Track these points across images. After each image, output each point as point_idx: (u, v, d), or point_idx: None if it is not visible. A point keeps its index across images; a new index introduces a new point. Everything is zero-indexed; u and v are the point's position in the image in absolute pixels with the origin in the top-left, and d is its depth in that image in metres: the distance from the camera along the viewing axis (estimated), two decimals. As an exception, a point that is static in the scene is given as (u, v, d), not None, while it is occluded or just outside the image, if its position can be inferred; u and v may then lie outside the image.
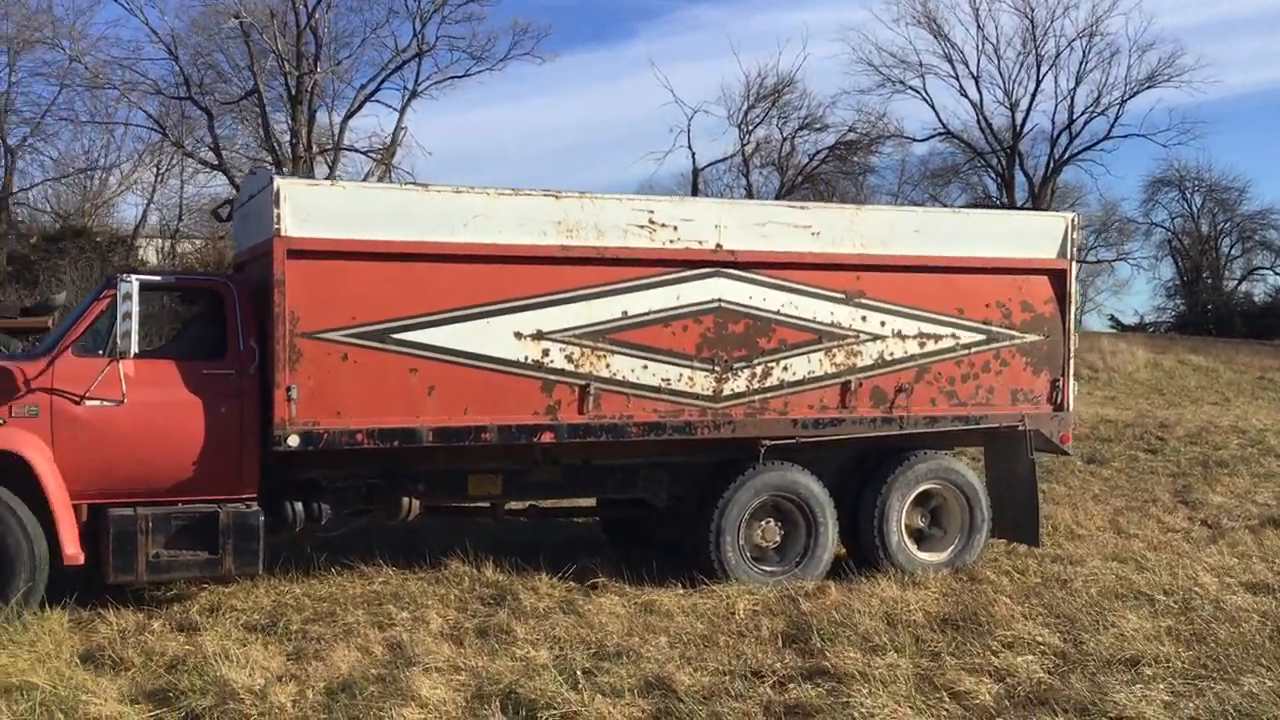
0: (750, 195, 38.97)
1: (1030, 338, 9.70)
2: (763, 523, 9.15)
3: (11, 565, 7.32)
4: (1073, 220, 9.91)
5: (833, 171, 43.89)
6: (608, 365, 8.55)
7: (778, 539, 9.21)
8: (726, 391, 8.86)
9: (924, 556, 9.54)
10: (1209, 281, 56.20)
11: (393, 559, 9.20)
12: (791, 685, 6.30)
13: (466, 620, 7.95)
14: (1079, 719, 5.81)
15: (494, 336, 8.26)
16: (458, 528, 9.97)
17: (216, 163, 31.41)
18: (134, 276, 7.63)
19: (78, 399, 7.55)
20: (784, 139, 42.08)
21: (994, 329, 9.58)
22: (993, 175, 48.84)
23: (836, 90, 56.14)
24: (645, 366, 8.64)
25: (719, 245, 8.79)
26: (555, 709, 5.92)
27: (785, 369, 9.02)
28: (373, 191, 9.03)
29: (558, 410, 8.44)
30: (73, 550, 7.47)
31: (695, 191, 37.89)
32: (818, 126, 42.21)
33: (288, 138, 31.13)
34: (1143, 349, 34.72)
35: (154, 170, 34.49)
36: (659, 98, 58.00)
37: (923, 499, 9.64)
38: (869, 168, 44.93)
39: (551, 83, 66.08)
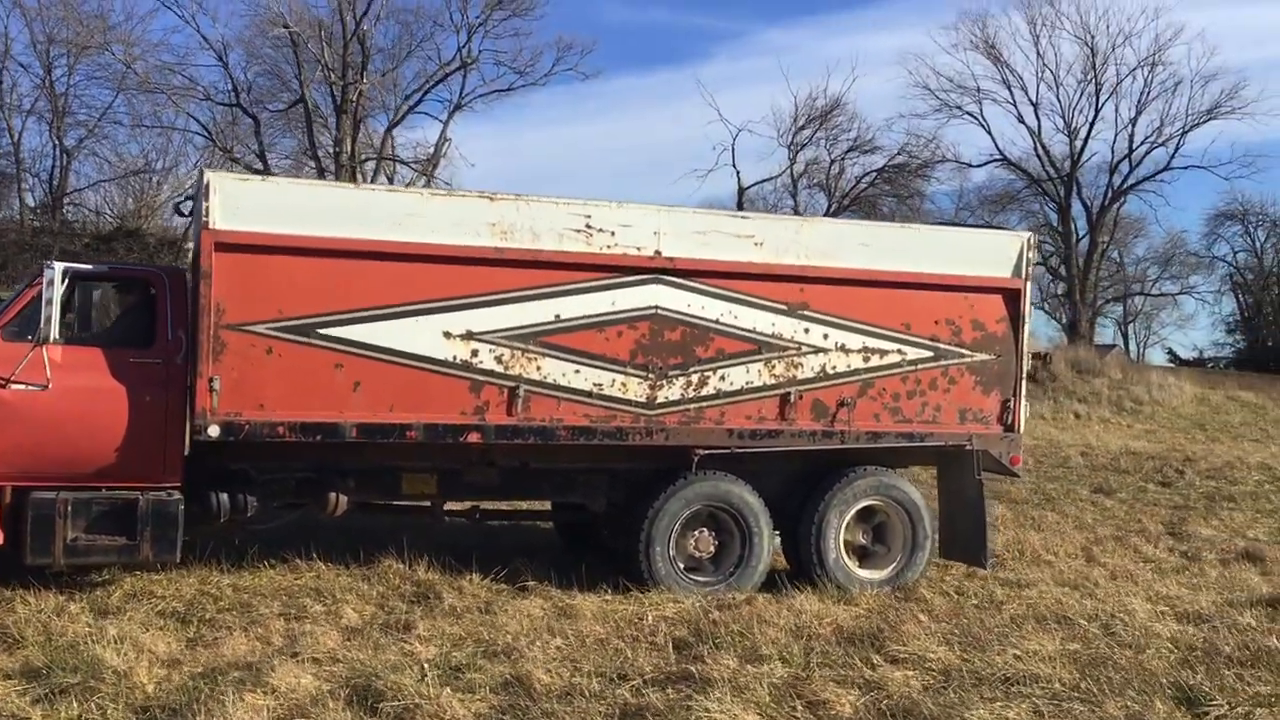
0: (798, 214, 38.86)
1: (980, 356, 9.56)
2: (696, 532, 9.10)
3: (-75, 542, 7.50)
4: (1028, 240, 9.77)
5: (882, 194, 43.68)
6: (538, 368, 8.56)
7: (712, 549, 9.15)
8: (660, 399, 8.83)
9: (864, 574, 9.43)
10: (1270, 317, 54.97)
11: (334, 556, 9.30)
12: (651, 689, 6.25)
13: (380, 616, 8.00)
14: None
15: (422, 335, 8.31)
16: (415, 527, 10.04)
17: (262, 169, 32.04)
18: (58, 264, 7.81)
19: (3, 383, 7.72)
20: (832, 160, 42.06)
21: (942, 346, 9.45)
22: (1050, 203, 48.31)
23: (890, 114, 56.00)
24: (577, 371, 8.64)
25: (658, 252, 8.78)
26: (400, 701, 5.93)
27: (722, 378, 8.97)
28: (305, 188, 9.09)
29: (486, 411, 8.46)
30: (-7, 530, 7.63)
31: (740, 210, 37.95)
32: (867, 149, 42.15)
33: (332, 146, 31.68)
34: (1191, 384, 34.10)
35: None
36: (705, 116, 58.14)
37: (865, 515, 9.53)
38: (919, 192, 44.70)
39: (608, 103, 66.29)
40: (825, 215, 39.44)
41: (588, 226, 8.63)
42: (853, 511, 9.39)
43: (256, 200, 8.03)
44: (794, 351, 9.13)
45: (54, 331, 7.68)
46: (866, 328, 9.29)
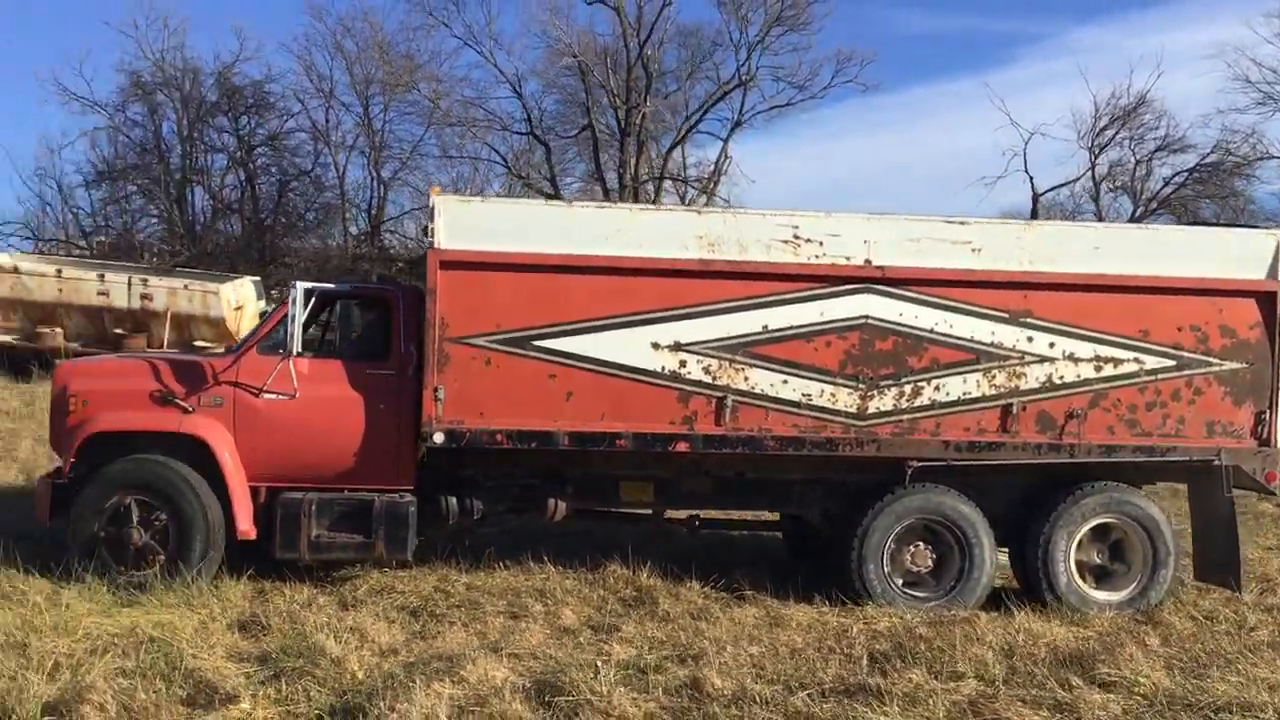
0: (1100, 221, 36.94)
1: (1230, 365, 8.85)
2: (912, 547, 8.88)
3: (189, 534, 8.40)
4: (1285, 239, 8.96)
5: (1195, 196, 40.69)
6: (746, 378, 8.63)
7: (930, 564, 8.90)
8: (872, 409, 8.71)
9: (1100, 595, 8.91)
10: None
11: (564, 560, 9.63)
12: (823, 700, 6.22)
13: (594, 618, 8.28)
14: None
15: (632, 346, 8.55)
16: (644, 534, 10.32)
17: (552, 193, 33.54)
18: (301, 284, 8.57)
19: (256, 392, 8.55)
20: (1138, 161, 39.59)
21: (1186, 354, 8.82)
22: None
23: (1205, 111, 51.96)
24: (785, 381, 8.65)
25: (868, 260, 8.67)
26: (574, 697, 6.16)
27: (938, 389, 8.74)
28: (520, 207, 9.57)
29: (694, 420, 8.61)
30: (245, 526, 8.47)
31: (1034, 218, 36.39)
32: (1177, 148, 39.37)
33: (617, 168, 32.81)
34: None
35: (501, 201, 37.21)
36: (992, 123, 55.90)
37: (1100, 534, 9.00)
38: (1238, 192, 41.30)
39: (890, 114, 64.95)
40: (1131, 220, 37.20)
41: (795, 237, 8.64)
42: (1084, 530, 8.89)
43: (477, 220, 8.54)
44: (1016, 361, 8.77)
45: (295, 345, 8.43)
46: (1098, 335, 8.80)
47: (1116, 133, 38.27)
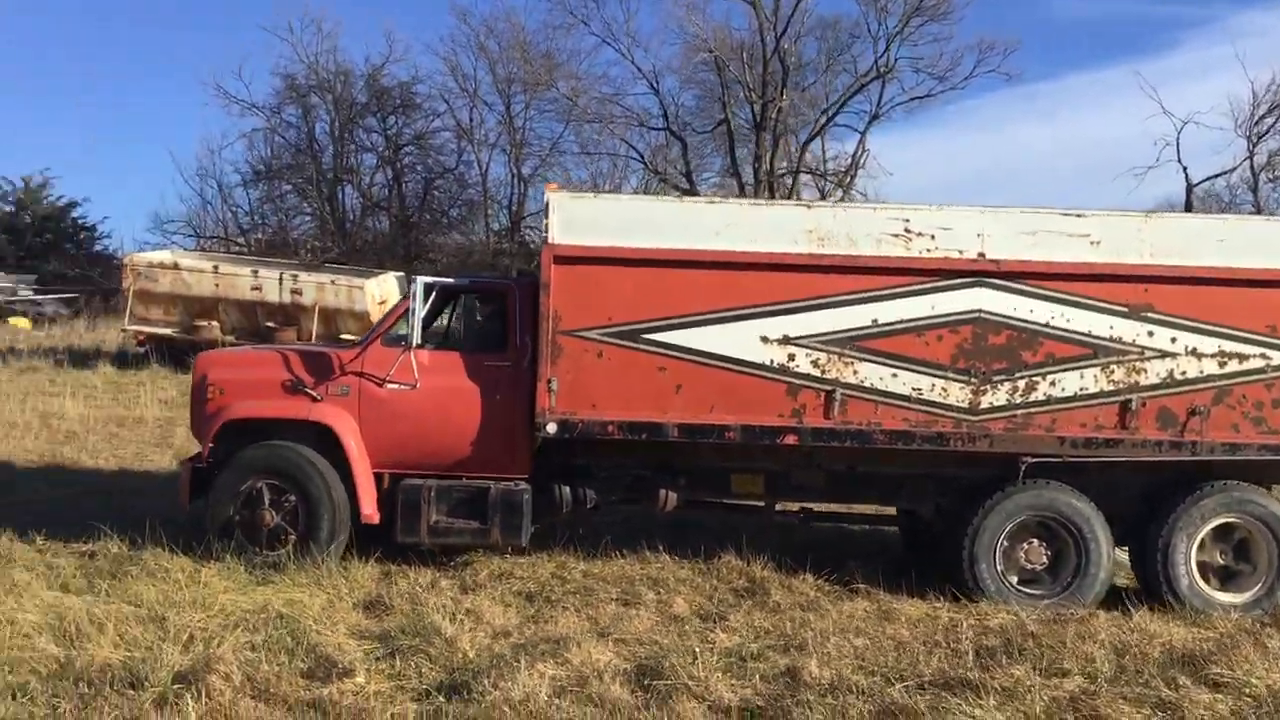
0: (1259, 213, 35.43)
1: (1365, 362, 8.49)
2: (1026, 543, 8.76)
3: (317, 516, 8.83)
4: None
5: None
6: (855, 372, 8.64)
7: (1044, 561, 8.77)
8: (984, 404, 8.63)
9: (1224, 597, 8.66)
10: None
11: (680, 550, 9.77)
12: (920, 692, 6.25)
13: (706, 606, 8.40)
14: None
15: (741, 340, 8.64)
16: (760, 526, 10.35)
17: (687, 187, 33.75)
18: (421, 279, 8.91)
19: (380, 382, 8.92)
20: (1302, 148, 37.76)
21: (1319, 351, 8.50)
22: None
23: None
24: (895, 375, 8.64)
25: (981, 254, 8.59)
26: (672, 681, 6.33)
27: (1053, 384, 8.60)
28: (632, 202, 9.70)
29: (803, 413, 8.67)
30: (369, 510, 8.86)
31: (1189, 209, 35.12)
32: (1345, 134, 37.38)
33: (752, 162, 32.82)
34: None
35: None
36: (1142, 112, 53.40)
37: (1223, 534, 8.74)
38: None
39: (1035, 104, 63.11)
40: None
41: (906, 231, 8.61)
42: (1205, 530, 8.65)
43: (589, 215, 8.74)
44: (1136, 356, 8.58)
45: (415, 337, 8.78)
46: (1224, 330, 8.55)
47: (1277, 120, 36.59)
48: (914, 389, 8.64)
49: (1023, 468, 8.65)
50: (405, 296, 9.20)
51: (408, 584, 8.68)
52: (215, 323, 23.49)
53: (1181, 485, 8.73)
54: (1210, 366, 8.57)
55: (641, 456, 9.21)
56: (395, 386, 8.92)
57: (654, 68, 34.51)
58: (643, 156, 34.81)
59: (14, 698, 5.85)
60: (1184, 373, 8.57)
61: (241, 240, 37.99)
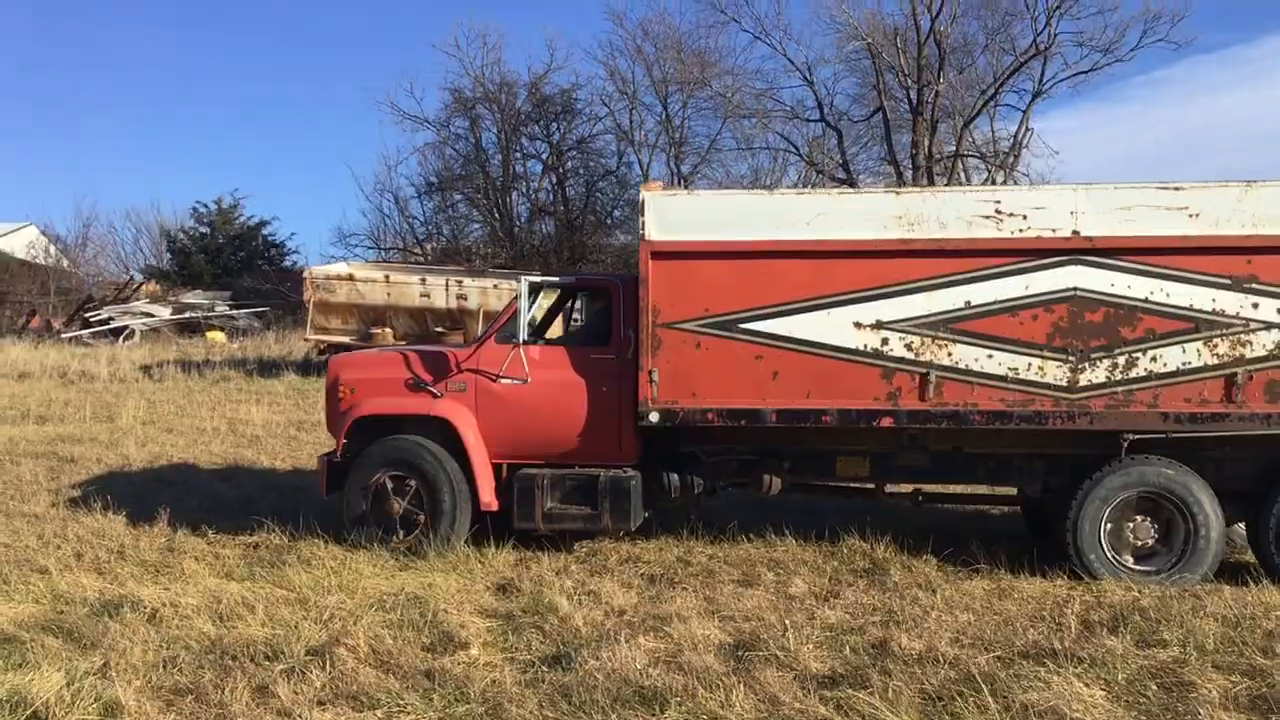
0: None
1: None
2: (1133, 520, 8.70)
3: (440, 505, 9.44)
4: None
5: None
6: (949, 354, 8.74)
7: (1151, 538, 8.69)
8: (1083, 382, 8.61)
9: (1338, 573, 8.43)
10: None
11: (804, 533, 9.95)
12: (1012, 662, 6.40)
13: (824, 586, 8.54)
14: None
15: (834, 326, 8.85)
16: (883, 510, 10.54)
17: (844, 178, 33.57)
18: (526, 278, 9.42)
19: (494, 377, 9.48)
20: None
21: None
22: None
23: None
24: (990, 356, 8.70)
25: (1075, 232, 8.57)
26: (763, 652, 6.63)
27: (1154, 359, 8.52)
28: (724, 197, 10.00)
29: (898, 396, 8.81)
30: (488, 498, 9.43)
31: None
32: None
33: (909, 149, 32.40)
34: None
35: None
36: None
37: (1343, 508, 8.50)
38: None
39: (1210, 76, 59.69)
40: None
41: (997, 212, 8.66)
42: (1318, 503, 8.44)
43: (683, 212, 9.10)
44: (1240, 329, 8.43)
45: (523, 334, 9.30)
46: (1334, 299, 8.32)
47: None
48: (1010, 369, 8.68)
49: (1124, 445, 8.59)
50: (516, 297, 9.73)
51: (540, 568, 9.09)
52: (388, 329, 24.67)
53: (1294, 459, 8.53)
54: (1321, 337, 8.34)
55: (747, 442, 9.50)
56: (508, 381, 9.46)
57: (807, 60, 34.52)
58: (799, 149, 34.84)
59: (163, 668, 6.54)
60: (1293, 344, 8.37)
61: (418, 250, 39.62)
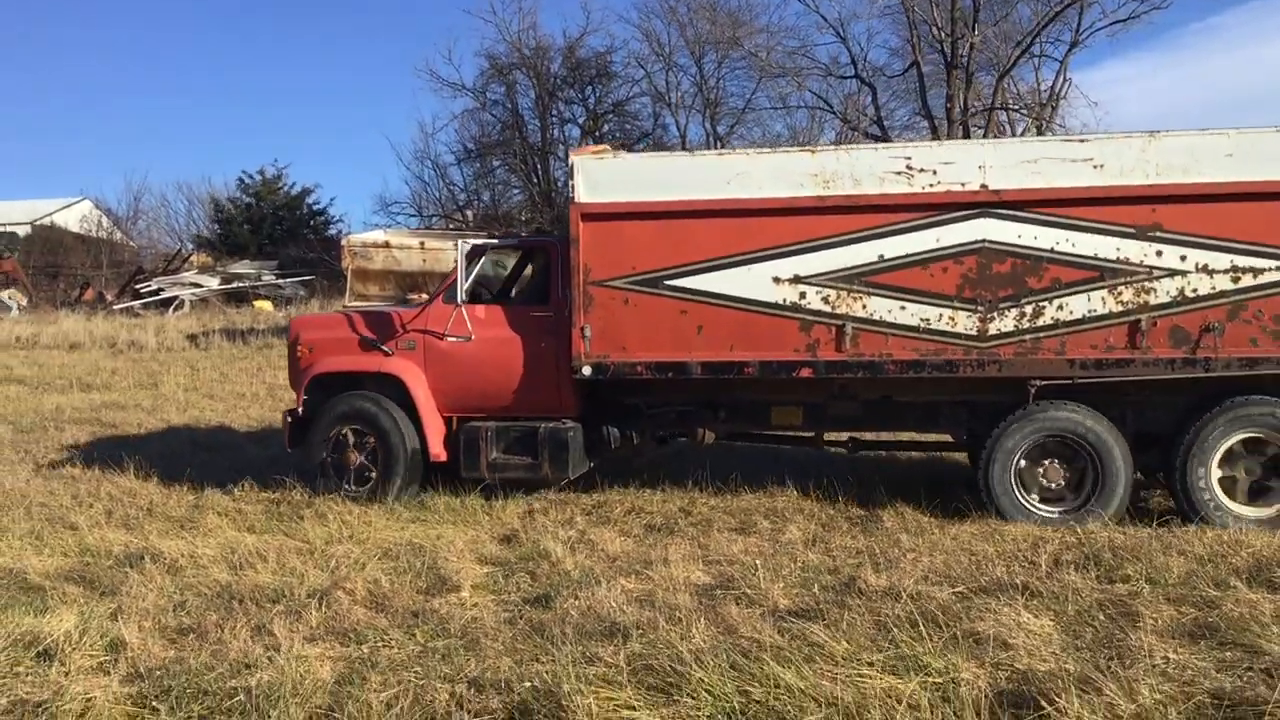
0: None
1: (1389, 269, 8.24)
2: (1043, 464, 8.99)
3: (393, 456, 10.04)
4: None
5: None
6: (864, 306, 9.06)
7: (1061, 481, 8.97)
8: (992, 331, 8.88)
9: (1247, 512, 8.65)
10: None
11: (804, 484, 10.11)
12: (970, 596, 6.61)
13: (817, 533, 8.72)
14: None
15: (755, 281, 9.21)
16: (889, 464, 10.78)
17: (879, 134, 33.45)
18: (466, 240, 9.91)
19: (440, 336, 10.00)
20: None
21: (1338, 260, 8.32)
22: None
23: None
24: (903, 307, 9.00)
25: (983, 185, 8.82)
26: (735, 590, 6.94)
27: (1060, 308, 8.77)
28: (648, 159, 10.38)
29: (816, 348, 9.16)
30: (437, 450, 9.99)
31: None
32: None
33: (944, 103, 32.17)
34: None
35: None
36: None
37: (1253, 449, 8.71)
38: None
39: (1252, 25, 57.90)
40: None
41: (908, 168, 8.94)
42: (1226, 446, 8.65)
43: (610, 174, 9.50)
44: (1144, 276, 8.64)
45: (463, 295, 9.80)
46: (1236, 245, 8.49)
47: None
48: (922, 320, 8.99)
49: (1032, 390, 8.87)
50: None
51: (547, 520, 9.36)
52: (425, 295, 25.26)
53: (1198, 404, 8.75)
54: (1223, 282, 8.53)
55: (685, 394, 9.91)
56: (453, 339, 9.97)
57: (839, 15, 34.54)
58: (832, 107, 34.81)
59: (172, 611, 6.91)
60: (1195, 290, 8.57)
61: (459, 216, 40.22)
